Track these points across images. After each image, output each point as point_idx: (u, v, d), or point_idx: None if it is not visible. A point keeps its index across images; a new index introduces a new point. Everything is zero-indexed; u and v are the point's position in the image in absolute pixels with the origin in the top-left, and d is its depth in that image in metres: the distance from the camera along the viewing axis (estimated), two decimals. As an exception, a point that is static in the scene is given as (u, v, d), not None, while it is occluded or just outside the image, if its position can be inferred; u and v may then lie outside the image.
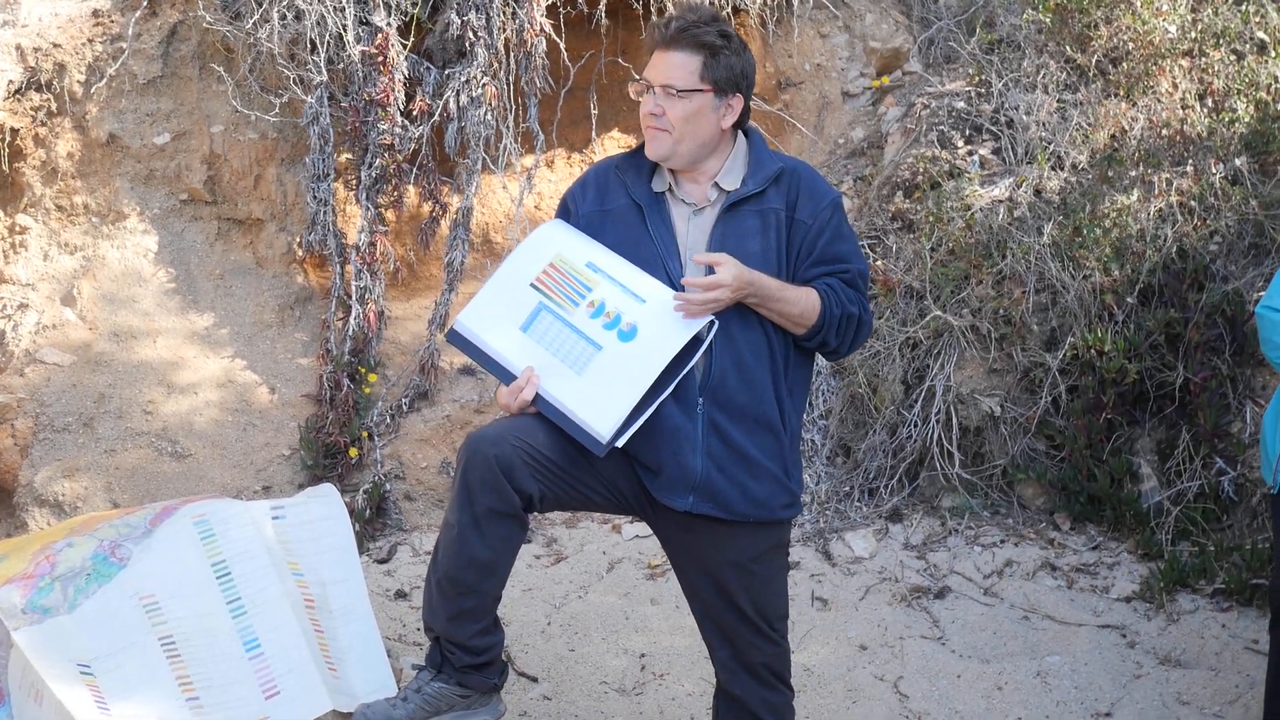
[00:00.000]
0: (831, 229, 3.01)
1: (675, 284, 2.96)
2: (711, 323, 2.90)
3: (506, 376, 3.00)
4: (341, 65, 5.73)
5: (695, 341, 2.90)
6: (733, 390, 2.96)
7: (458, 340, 3.08)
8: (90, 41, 5.86)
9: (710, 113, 2.97)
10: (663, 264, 2.98)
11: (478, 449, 2.90)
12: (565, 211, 3.16)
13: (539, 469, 2.92)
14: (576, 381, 2.92)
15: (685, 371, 2.90)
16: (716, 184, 3.02)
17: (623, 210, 3.05)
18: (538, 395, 2.95)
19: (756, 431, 3.00)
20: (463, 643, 3.03)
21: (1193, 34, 5.53)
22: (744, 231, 2.98)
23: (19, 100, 5.78)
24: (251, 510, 3.47)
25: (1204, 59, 5.49)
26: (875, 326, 5.26)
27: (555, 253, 3.04)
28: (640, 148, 3.10)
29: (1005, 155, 5.58)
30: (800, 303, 2.94)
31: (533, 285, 3.03)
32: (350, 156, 5.89)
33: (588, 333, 2.95)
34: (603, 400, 2.89)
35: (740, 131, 3.09)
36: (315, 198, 5.78)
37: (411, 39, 5.75)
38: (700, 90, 2.95)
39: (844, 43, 6.42)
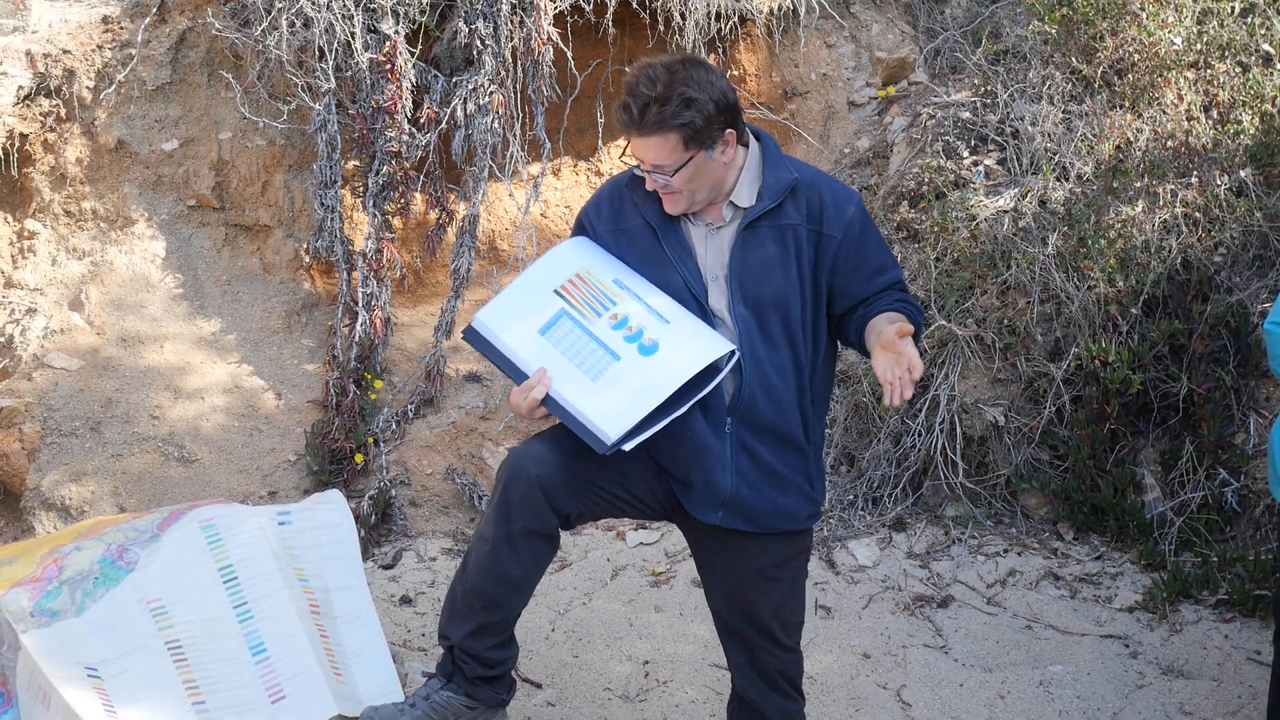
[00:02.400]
0: (867, 236, 3.02)
1: (702, 304, 2.96)
2: (732, 353, 2.91)
3: (519, 376, 2.98)
4: (349, 73, 5.75)
5: (712, 370, 2.90)
6: (760, 410, 2.97)
7: (474, 338, 3.07)
8: (100, 48, 5.89)
9: (708, 163, 2.92)
10: (686, 286, 2.97)
11: (520, 467, 2.91)
12: (582, 230, 3.15)
13: (578, 487, 2.94)
14: (589, 386, 2.92)
15: (698, 398, 2.90)
16: (732, 202, 3.01)
17: (637, 230, 3.05)
18: (548, 396, 2.94)
19: (783, 449, 3.02)
20: (479, 654, 3.05)
21: (1198, 46, 5.54)
22: (764, 253, 2.97)
23: (28, 106, 5.81)
24: (258, 515, 3.48)
25: (1209, 71, 5.50)
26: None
27: (583, 265, 3.05)
28: None
29: (1010, 165, 5.60)
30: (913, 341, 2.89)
31: (556, 292, 3.03)
32: (358, 164, 5.91)
33: (607, 342, 2.95)
34: (614, 406, 2.89)
35: (753, 136, 3.07)
36: (322, 205, 5.80)
37: (419, 47, 5.77)
38: (690, 159, 2.89)
39: (850, 53, 6.44)
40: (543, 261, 3.10)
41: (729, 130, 2.92)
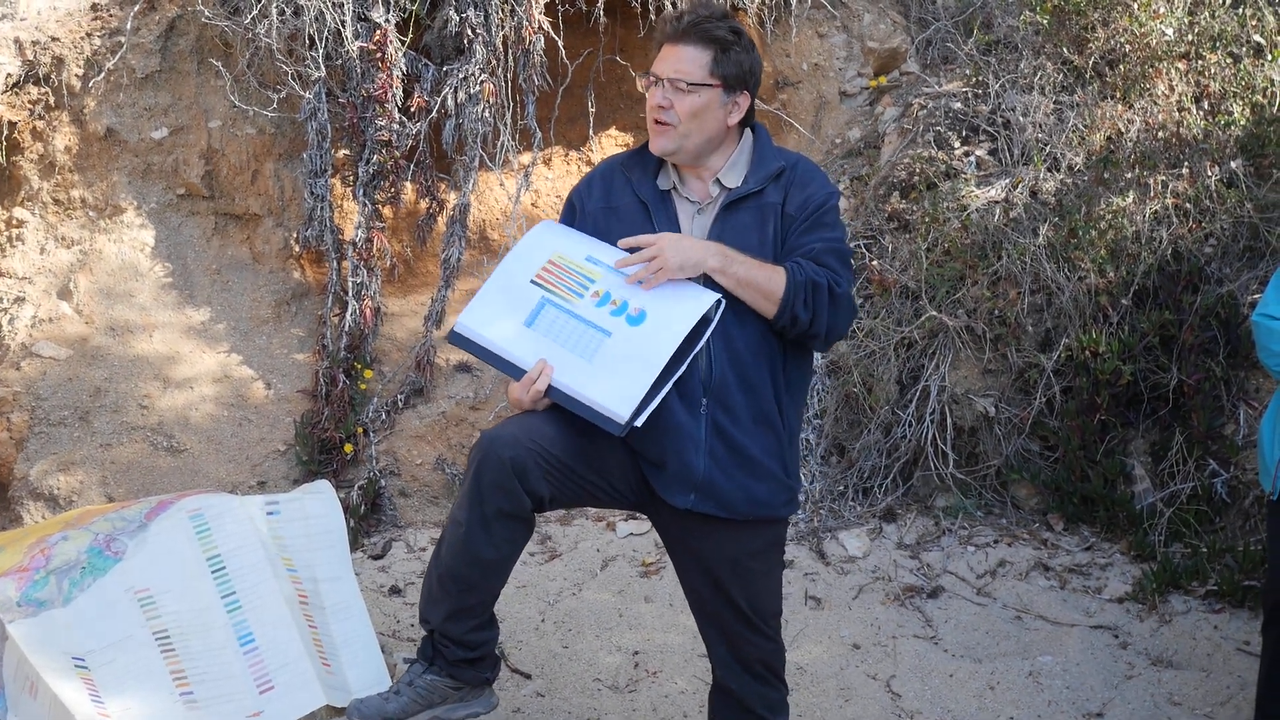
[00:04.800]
0: (810, 221, 3.01)
1: None
2: (719, 302, 2.90)
3: (515, 372, 2.98)
4: (340, 61, 5.73)
5: (704, 322, 2.90)
6: (734, 390, 2.97)
7: (460, 341, 3.07)
8: (89, 35, 5.86)
9: (718, 109, 2.98)
10: None
11: (491, 450, 2.89)
12: (571, 209, 3.16)
13: (551, 470, 2.92)
14: (588, 368, 2.92)
15: (696, 350, 2.90)
16: (719, 181, 3.03)
17: (629, 208, 3.06)
18: (550, 386, 2.93)
19: (757, 430, 3.01)
20: (458, 638, 3.04)
21: (1189, 37, 5.54)
22: (742, 227, 2.99)
23: (17, 94, 5.78)
24: (247, 505, 3.48)
25: (1200, 62, 5.50)
26: (870, 327, 5.27)
27: (553, 250, 3.05)
28: (645, 145, 3.11)
29: (1002, 156, 5.59)
30: (764, 269, 2.92)
31: (533, 282, 3.03)
32: (348, 153, 5.89)
33: (595, 321, 2.95)
34: (617, 383, 2.88)
35: (747, 128, 3.10)
36: (312, 194, 5.78)
37: (410, 35, 5.75)
38: (709, 85, 2.96)
39: (842, 43, 6.43)
40: (513, 254, 3.10)
41: (745, 93, 3.00)
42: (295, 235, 5.91)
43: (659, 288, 2.93)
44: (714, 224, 3.01)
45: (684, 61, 2.96)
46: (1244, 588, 4.48)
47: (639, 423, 2.88)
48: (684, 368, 2.91)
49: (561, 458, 2.94)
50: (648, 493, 3.07)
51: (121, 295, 5.78)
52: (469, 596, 3.00)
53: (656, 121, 2.99)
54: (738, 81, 2.99)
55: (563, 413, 2.97)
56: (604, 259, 3.00)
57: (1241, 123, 5.26)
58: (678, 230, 3.02)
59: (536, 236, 3.11)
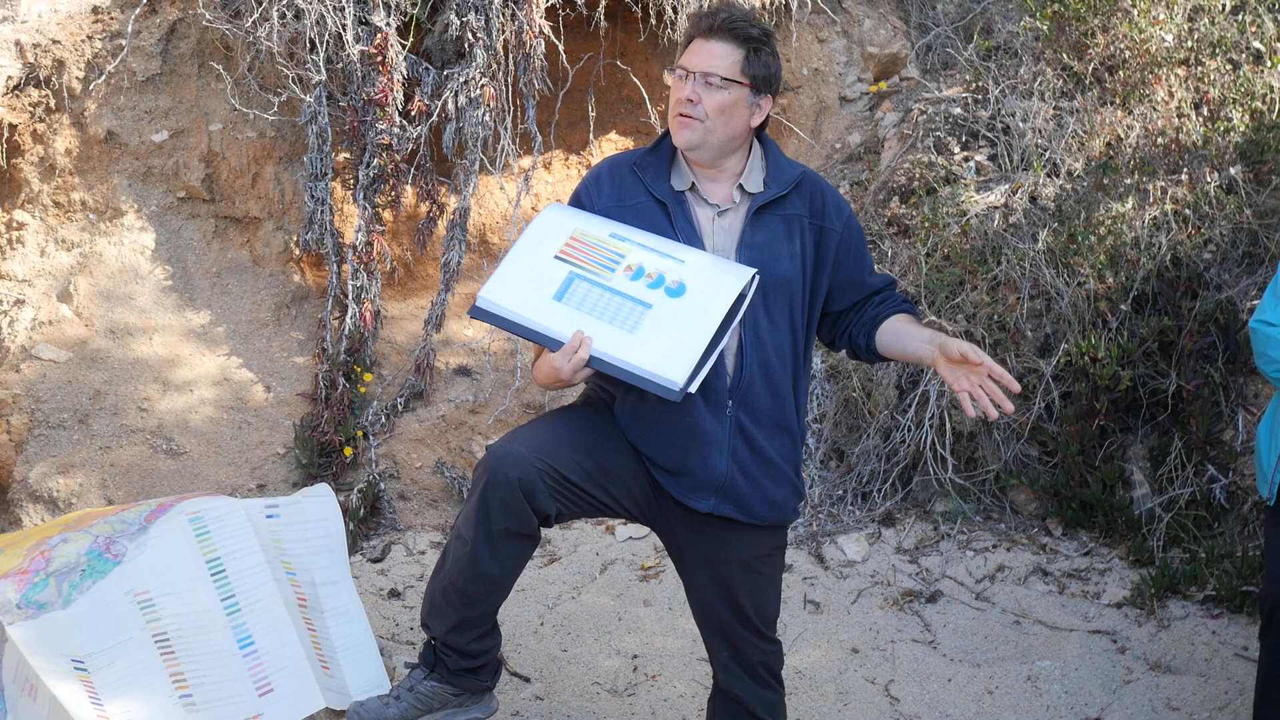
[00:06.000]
0: (861, 236, 3.13)
1: None
2: (755, 276, 2.91)
3: (551, 344, 2.92)
4: (340, 65, 5.73)
5: (740, 298, 2.90)
6: (760, 394, 2.99)
7: (484, 316, 2.99)
8: (90, 38, 5.87)
9: (744, 108, 2.99)
10: None
11: (499, 469, 2.88)
12: (580, 205, 3.13)
13: (558, 489, 2.92)
14: (630, 339, 2.88)
15: (735, 323, 2.90)
16: (741, 186, 3.04)
17: (644, 206, 3.04)
18: (593, 356, 2.89)
19: (777, 435, 3.04)
20: (461, 647, 3.05)
21: (1189, 43, 5.55)
22: (772, 236, 3.01)
23: (18, 96, 5.79)
24: (246, 508, 3.48)
25: (1200, 68, 5.51)
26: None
27: (573, 228, 3.01)
28: (655, 146, 3.10)
29: (1001, 162, 5.60)
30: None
31: (557, 258, 2.98)
32: (348, 156, 5.90)
33: (632, 294, 2.92)
34: (667, 350, 2.86)
35: (755, 135, 3.11)
36: (313, 197, 5.79)
37: (410, 39, 5.76)
38: (739, 83, 2.96)
39: (842, 48, 6.44)
40: (528, 235, 3.05)
41: (768, 97, 3.03)
42: (295, 238, 5.92)
43: (695, 262, 2.93)
44: (743, 231, 3.01)
45: (716, 57, 2.96)
46: (1242, 593, 4.48)
47: (693, 389, 2.85)
48: (726, 339, 2.90)
49: (568, 475, 2.94)
50: (655, 504, 3.08)
51: (121, 298, 5.78)
52: (473, 609, 3.01)
53: (681, 114, 2.97)
54: (764, 84, 3.00)
55: (568, 428, 2.98)
56: (630, 236, 2.97)
57: (1241, 129, 5.27)
58: (695, 230, 3.02)
59: (550, 216, 3.06)
